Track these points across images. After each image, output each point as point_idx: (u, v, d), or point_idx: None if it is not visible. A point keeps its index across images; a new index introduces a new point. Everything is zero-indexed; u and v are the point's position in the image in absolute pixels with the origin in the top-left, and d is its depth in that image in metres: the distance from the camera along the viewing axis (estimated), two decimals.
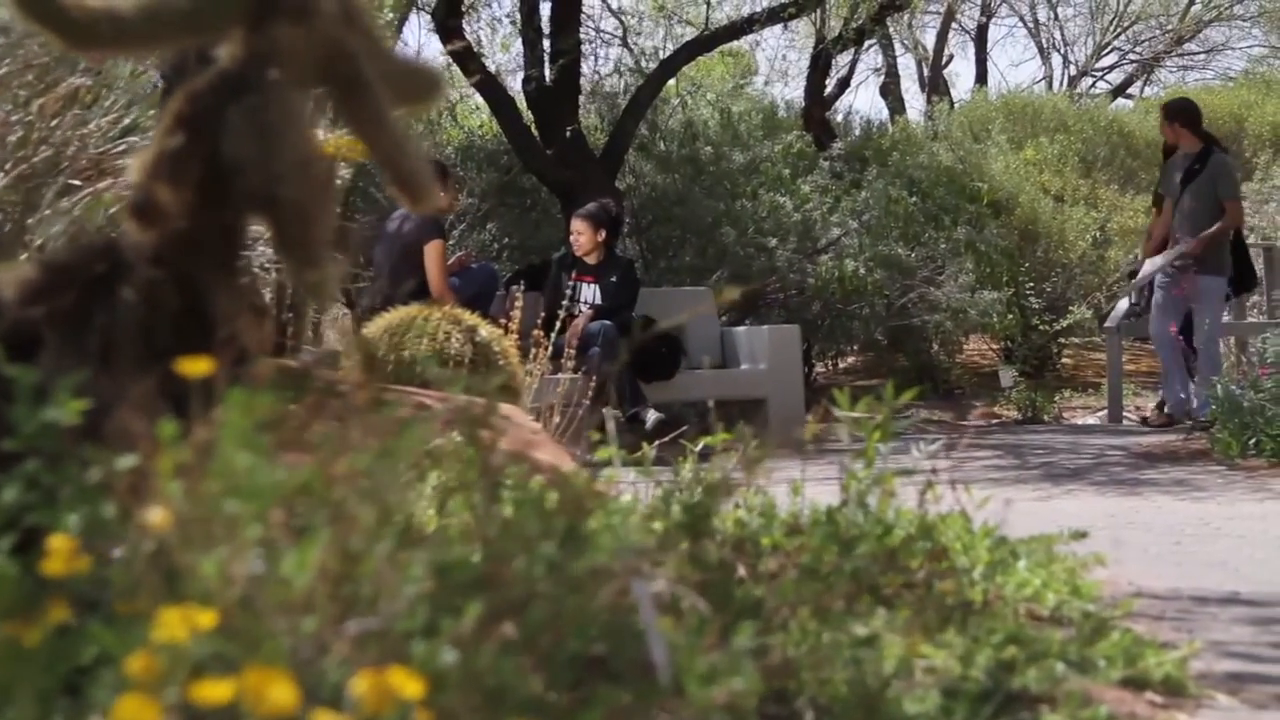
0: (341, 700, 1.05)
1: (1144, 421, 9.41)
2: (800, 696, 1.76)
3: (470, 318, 4.03)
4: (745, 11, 12.80)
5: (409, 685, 1.01)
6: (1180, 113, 9.20)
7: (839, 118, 16.63)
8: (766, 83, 19.30)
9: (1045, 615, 2.50)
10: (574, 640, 1.40)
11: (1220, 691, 2.23)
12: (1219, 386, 7.64)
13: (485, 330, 3.98)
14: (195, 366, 1.10)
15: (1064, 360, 13.53)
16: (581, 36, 13.32)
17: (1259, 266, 11.93)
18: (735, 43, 17.70)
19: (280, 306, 4.07)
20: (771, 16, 11.54)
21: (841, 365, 13.19)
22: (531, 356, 4.59)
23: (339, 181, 4.17)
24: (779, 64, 20.96)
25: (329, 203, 1.38)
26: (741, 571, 2.23)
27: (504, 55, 13.95)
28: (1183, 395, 8.98)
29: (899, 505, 2.51)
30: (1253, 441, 6.91)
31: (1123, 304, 10.37)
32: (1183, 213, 8.92)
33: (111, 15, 1.35)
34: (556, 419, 4.57)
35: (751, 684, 1.24)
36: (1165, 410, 9.11)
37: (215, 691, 1.01)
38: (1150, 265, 9.08)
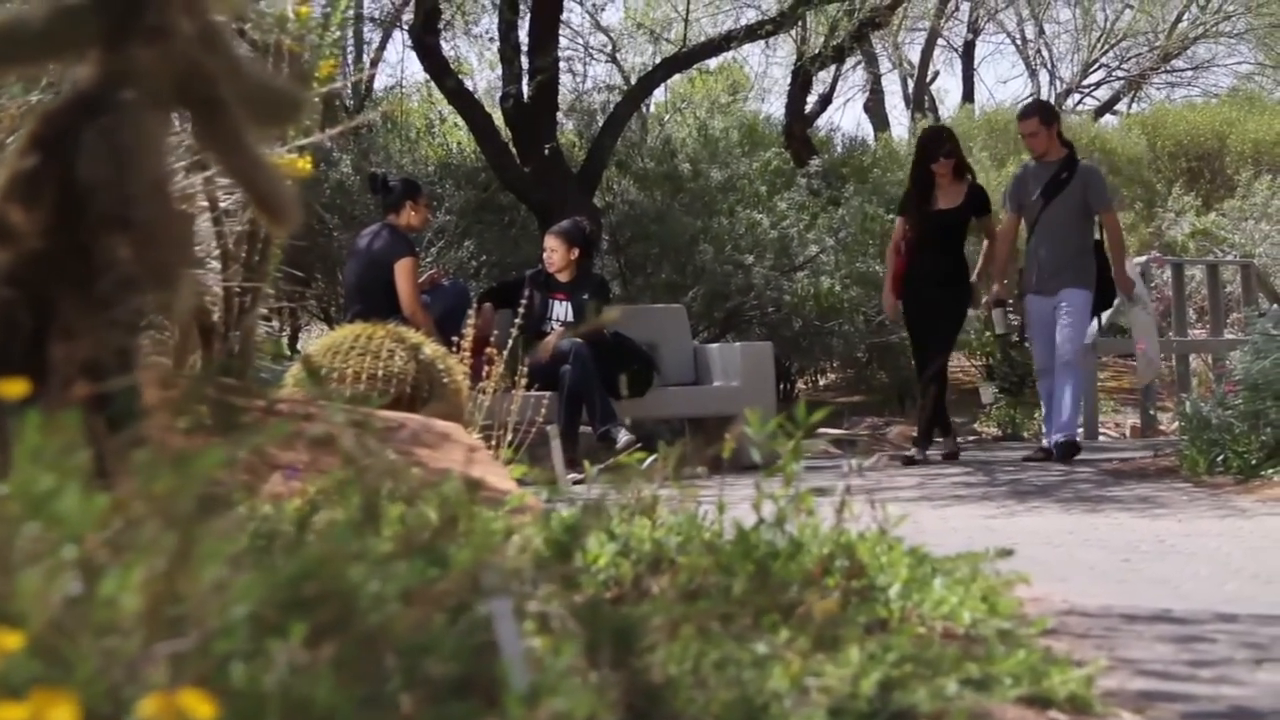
0: None
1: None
2: (684, 715, 1.76)
3: (414, 335, 4.03)
4: (725, 29, 12.84)
5: (201, 707, 1.01)
6: (1056, 116, 8.49)
7: (822, 134, 16.68)
8: (745, 99, 19.33)
9: (960, 633, 2.49)
10: (428, 660, 1.40)
11: (1127, 709, 2.23)
12: (1188, 404, 7.65)
13: (429, 348, 3.98)
14: (11, 388, 1.11)
15: None
16: (570, 53, 13.35)
17: (1236, 284, 11.98)
18: (723, 59, 17.77)
19: (228, 324, 4.06)
20: (750, 34, 11.57)
21: (822, 382, 13.21)
22: (485, 374, 4.59)
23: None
24: (761, 80, 21.05)
25: (183, 223, 1.38)
26: (656, 589, 2.24)
27: (491, 73, 14.00)
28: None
29: (817, 523, 2.51)
30: (1220, 459, 6.92)
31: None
32: (1049, 226, 8.06)
33: None
34: (509, 436, 4.57)
35: (576, 703, 1.24)
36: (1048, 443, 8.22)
37: (8, 714, 1.01)
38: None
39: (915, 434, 8.71)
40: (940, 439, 8.53)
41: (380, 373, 3.83)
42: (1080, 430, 8.94)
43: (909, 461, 8.29)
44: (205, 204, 3.86)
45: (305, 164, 3.58)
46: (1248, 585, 3.63)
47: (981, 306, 8.94)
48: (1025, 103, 8.82)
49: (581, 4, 14.07)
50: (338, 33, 3.99)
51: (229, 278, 4.00)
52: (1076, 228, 8.07)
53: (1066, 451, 7.90)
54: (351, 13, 14.59)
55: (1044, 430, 8.48)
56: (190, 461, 1.04)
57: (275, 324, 10.96)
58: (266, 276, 3.99)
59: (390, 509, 1.72)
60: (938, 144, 8.46)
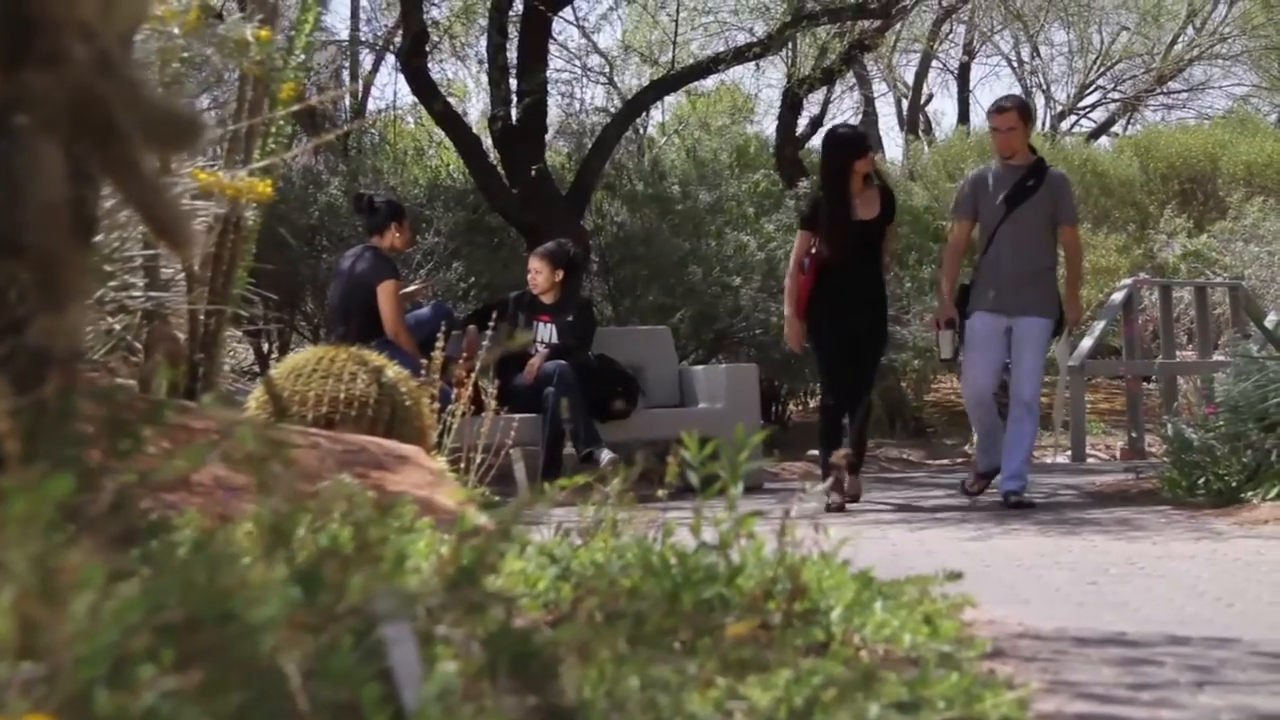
0: None
1: (965, 491, 7.53)
2: None
3: (377, 358, 4.04)
4: (715, 51, 12.88)
5: None
6: (1033, 116, 7.70)
7: (814, 156, 16.71)
8: (733, 122, 19.38)
9: (901, 656, 2.49)
10: (317, 684, 1.40)
11: None
12: (1170, 426, 7.64)
13: (392, 371, 3.98)
14: None
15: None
16: (567, 74, 13.35)
17: (1224, 305, 11.98)
18: (719, 81, 17.80)
19: (193, 347, 4.07)
20: (738, 56, 11.60)
21: (812, 404, 13.20)
22: (454, 396, 4.59)
23: (249, 222, 4.18)
24: (753, 102, 21.15)
25: (78, 249, 1.39)
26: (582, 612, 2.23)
27: (487, 95, 14.04)
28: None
29: (760, 546, 2.51)
30: (1201, 481, 6.91)
31: (1086, 342, 10.40)
32: (1010, 237, 7.08)
33: None
34: (477, 459, 4.57)
35: None
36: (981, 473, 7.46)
37: None
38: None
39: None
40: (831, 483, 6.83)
41: (342, 396, 3.83)
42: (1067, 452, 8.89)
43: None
44: None
45: (266, 187, 3.58)
46: (1207, 608, 3.62)
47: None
48: (1002, 97, 7.54)
49: (577, 26, 14.13)
50: (302, 56, 4.00)
51: (194, 301, 4.00)
52: (1040, 242, 7.17)
53: (1021, 505, 6.92)
54: (347, 36, 14.62)
55: (977, 460, 7.54)
56: (44, 486, 1.04)
57: (265, 344, 11.00)
58: (231, 299, 4.00)
59: (299, 532, 1.72)
60: (860, 138, 7.43)
